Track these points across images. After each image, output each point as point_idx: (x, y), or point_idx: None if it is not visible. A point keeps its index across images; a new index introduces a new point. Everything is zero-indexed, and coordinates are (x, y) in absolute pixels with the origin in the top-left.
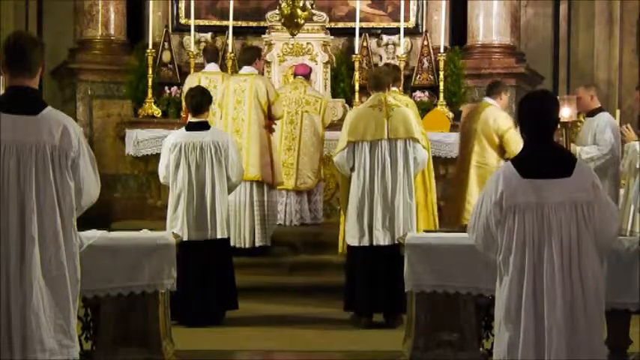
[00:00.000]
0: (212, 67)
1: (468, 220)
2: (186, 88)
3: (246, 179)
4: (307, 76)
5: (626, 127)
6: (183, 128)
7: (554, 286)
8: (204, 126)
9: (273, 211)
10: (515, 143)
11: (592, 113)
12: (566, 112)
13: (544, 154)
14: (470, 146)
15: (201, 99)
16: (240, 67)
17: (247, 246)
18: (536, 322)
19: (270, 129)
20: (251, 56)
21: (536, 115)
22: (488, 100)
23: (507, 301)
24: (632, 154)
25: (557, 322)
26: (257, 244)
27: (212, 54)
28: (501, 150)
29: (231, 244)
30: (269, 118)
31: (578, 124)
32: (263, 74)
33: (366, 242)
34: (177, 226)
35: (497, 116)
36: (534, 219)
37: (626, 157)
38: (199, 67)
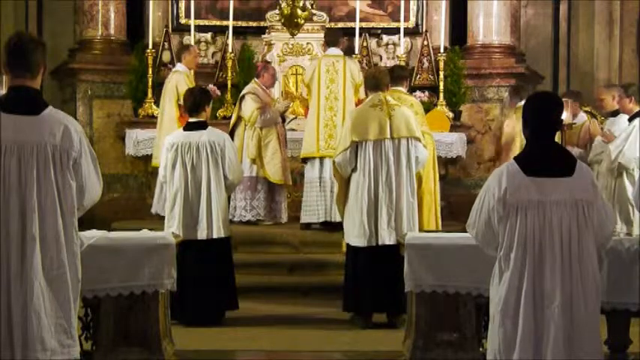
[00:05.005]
0: (178, 67)
1: None
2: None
3: None
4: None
5: (608, 130)
6: (182, 128)
7: (555, 284)
8: (201, 126)
9: None
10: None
11: (615, 113)
12: (563, 115)
13: (547, 154)
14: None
15: (199, 99)
16: (326, 48)
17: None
18: (535, 318)
19: None
20: (336, 38)
21: (539, 115)
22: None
23: (506, 297)
24: (609, 155)
25: (556, 319)
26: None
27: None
28: None
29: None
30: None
31: (573, 126)
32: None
33: (372, 243)
34: (173, 225)
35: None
36: (536, 217)
37: (605, 158)
38: (199, 67)
